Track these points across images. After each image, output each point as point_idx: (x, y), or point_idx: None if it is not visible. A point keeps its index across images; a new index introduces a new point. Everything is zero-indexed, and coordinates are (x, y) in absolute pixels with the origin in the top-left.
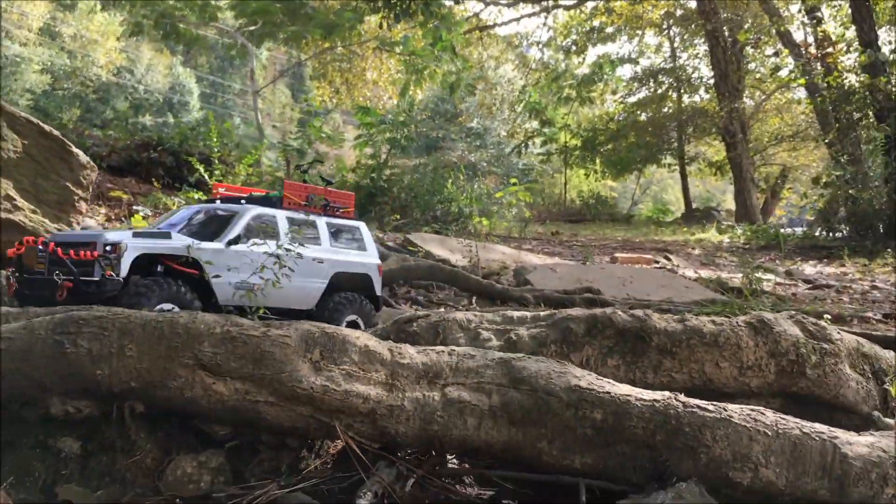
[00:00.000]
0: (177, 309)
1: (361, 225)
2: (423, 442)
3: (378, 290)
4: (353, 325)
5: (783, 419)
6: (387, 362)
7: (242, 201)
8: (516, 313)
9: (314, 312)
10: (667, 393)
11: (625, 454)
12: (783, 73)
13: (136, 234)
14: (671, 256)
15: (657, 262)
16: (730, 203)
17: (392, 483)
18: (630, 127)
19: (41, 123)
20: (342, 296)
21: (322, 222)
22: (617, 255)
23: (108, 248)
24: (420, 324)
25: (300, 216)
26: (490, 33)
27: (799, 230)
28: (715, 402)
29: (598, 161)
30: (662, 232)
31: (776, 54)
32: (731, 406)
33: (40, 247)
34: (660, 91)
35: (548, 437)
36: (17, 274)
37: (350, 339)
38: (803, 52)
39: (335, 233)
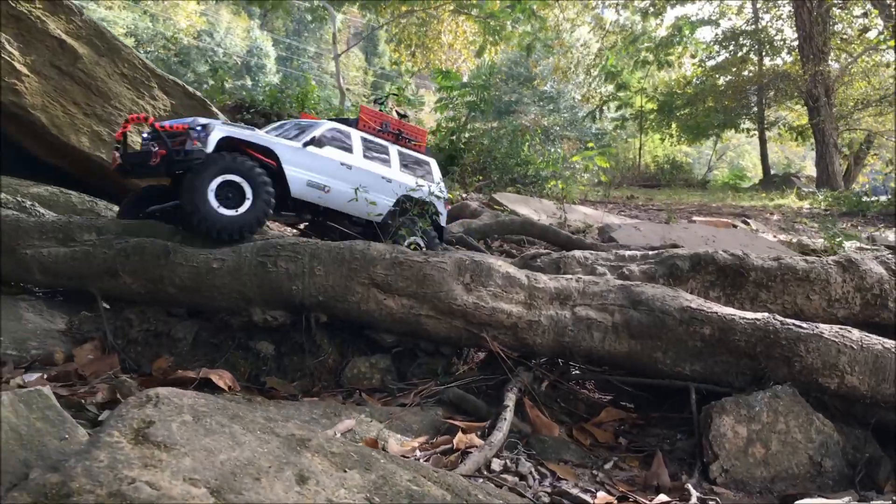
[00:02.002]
0: (238, 179)
1: (432, 161)
2: (555, 352)
3: (443, 221)
4: (414, 247)
5: (867, 336)
6: (525, 286)
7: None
8: (627, 252)
9: (380, 227)
10: (766, 314)
11: (728, 363)
12: (871, 34)
13: (224, 123)
14: (749, 221)
15: (735, 226)
16: (809, 169)
17: (530, 383)
18: (708, 91)
19: (186, 85)
20: (408, 217)
21: (394, 149)
22: (695, 218)
23: (199, 126)
24: (544, 260)
25: (373, 138)
26: None
27: (883, 198)
28: (808, 321)
29: (673, 126)
30: (740, 197)
31: (865, 15)
32: (822, 325)
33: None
34: (740, 54)
35: (662, 349)
36: (120, 149)
37: (494, 266)
38: (894, 12)
39: (405, 161)
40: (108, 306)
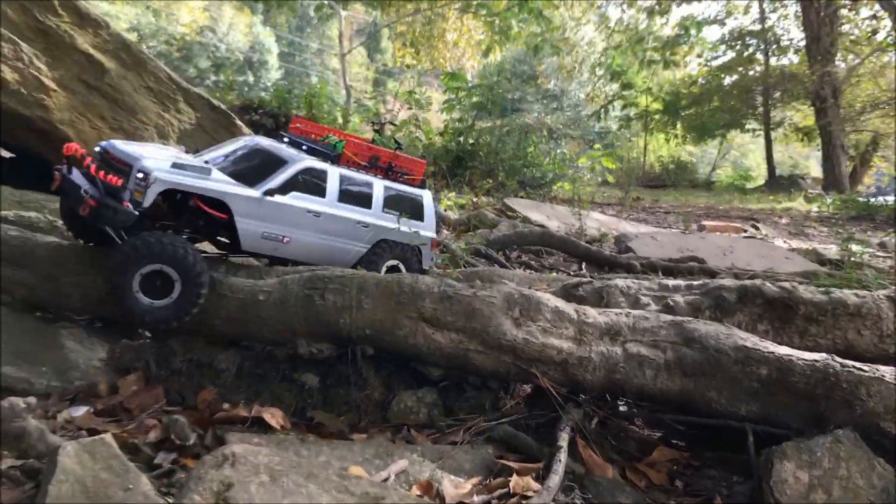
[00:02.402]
0: (167, 269)
1: (425, 194)
2: (606, 388)
3: (426, 265)
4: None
5: None
6: (574, 321)
7: (304, 147)
8: (671, 281)
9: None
10: (824, 355)
11: (786, 404)
12: (880, 35)
13: (174, 165)
14: (759, 225)
15: (745, 231)
16: (813, 170)
17: (581, 421)
18: (714, 91)
19: (210, 98)
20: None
21: (379, 185)
22: (704, 223)
23: (139, 174)
24: (586, 288)
25: (355, 175)
26: None
27: (891, 199)
28: (868, 364)
29: (679, 125)
30: (746, 199)
31: (874, 17)
32: (882, 367)
33: (80, 157)
34: (746, 53)
35: (716, 388)
36: (61, 172)
37: (543, 300)
38: None
39: (391, 199)
40: (149, 334)
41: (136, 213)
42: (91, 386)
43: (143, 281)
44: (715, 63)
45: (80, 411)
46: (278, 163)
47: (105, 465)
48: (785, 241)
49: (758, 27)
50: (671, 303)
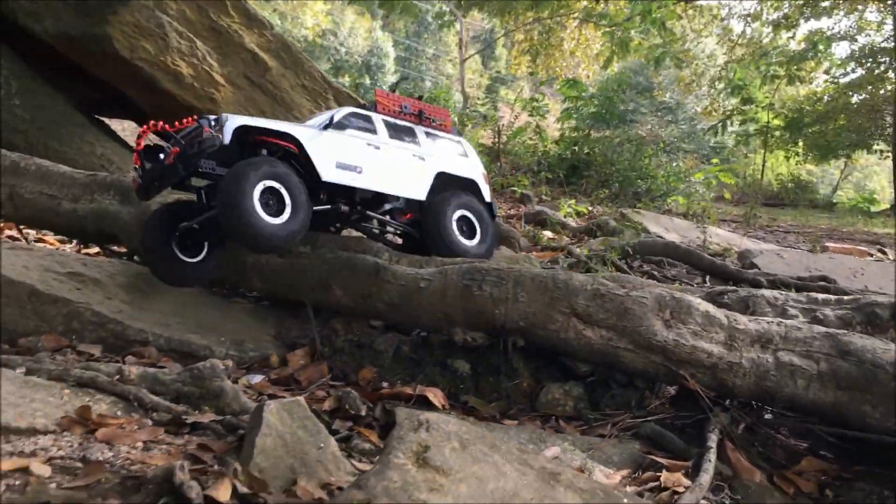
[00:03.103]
0: (277, 185)
1: (462, 139)
2: (755, 395)
3: (487, 197)
4: (466, 222)
5: None
6: (724, 326)
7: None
8: (819, 295)
9: (425, 207)
10: None
11: None
12: None
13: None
14: (886, 250)
15: (871, 256)
16: None
17: (727, 424)
18: (840, 109)
19: (358, 98)
20: (450, 192)
21: (419, 129)
22: (827, 244)
23: (211, 118)
24: (731, 296)
25: (396, 120)
26: (694, 5)
27: None
28: None
29: (800, 143)
30: (871, 223)
31: None
32: None
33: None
34: (877, 71)
35: (871, 403)
36: (137, 170)
37: (694, 304)
38: None
39: (434, 140)
40: (313, 316)
41: (220, 138)
42: (263, 357)
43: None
44: (843, 81)
45: (256, 378)
46: (329, 115)
47: (301, 425)
48: None
49: (891, 45)
50: (820, 316)
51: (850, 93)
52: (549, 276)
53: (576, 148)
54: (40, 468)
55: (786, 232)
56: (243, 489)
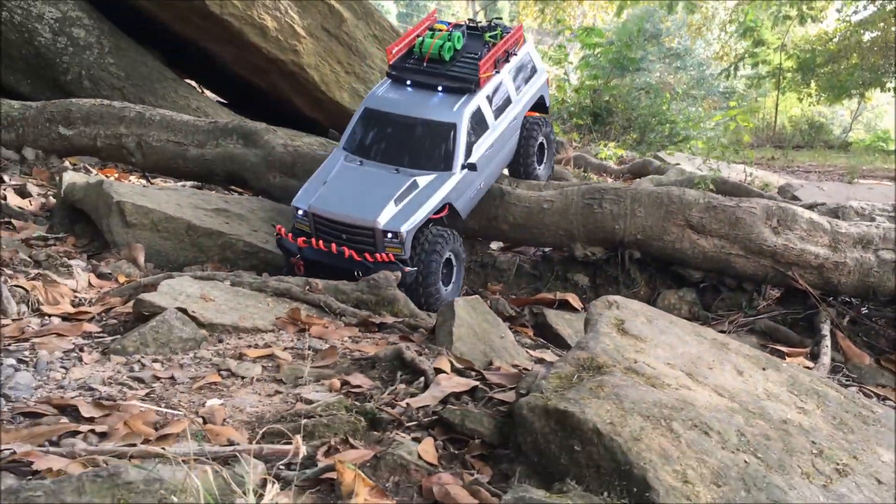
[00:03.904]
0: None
1: (529, 47)
2: (859, 291)
3: (548, 102)
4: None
5: None
6: (828, 231)
7: (439, 88)
8: None
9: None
10: None
11: None
12: None
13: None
14: None
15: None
16: None
17: (835, 317)
18: (853, 47)
19: None
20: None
21: (508, 78)
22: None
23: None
24: (821, 209)
25: (495, 89)
26: None
27: None
28: None
29: (813, 84)
30: (889, 160)
31: None
32: None
33: None
34: (889, 7)
35: None
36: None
37: (798, 212)
38: None
39: (517, 77)
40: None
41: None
42: None
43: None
44: (854, 19)
45: None
46: (445, 131)
47: (483, 318)
48: None
49: None
50: None
51: (862, 31)
52: (664, 192)
53: (596, 95)
54: (283, 354)
55: (806, 172)
56: (457, 364)
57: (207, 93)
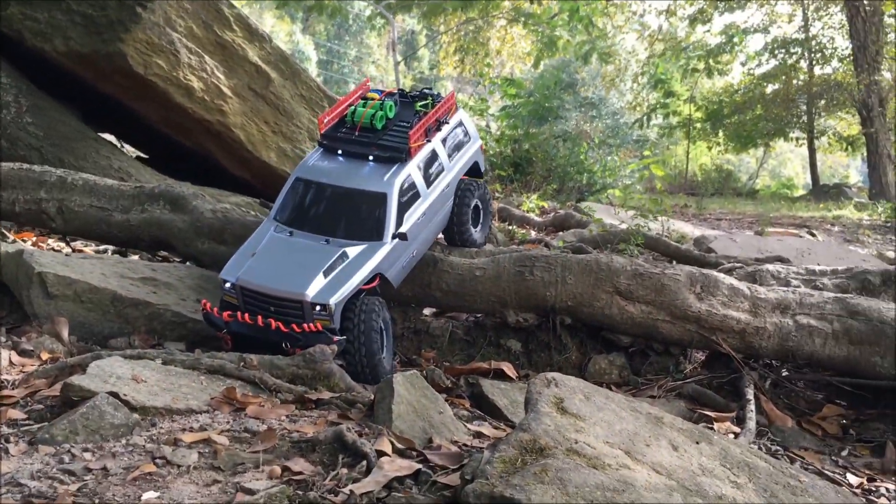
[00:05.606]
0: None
1: (459, 114)
2: (779, 355)
3: (482, 167)
4: (475, 211)
5: None
6: (747, 296)
7: (371, 157)
8: (817, 267)
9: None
10: None
11: None
12: None
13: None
14: (815, 232)
15: (802, 238)
16: (853, 179)
17: (758, 380)
18: (756, 99)
19: None
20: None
21: (440, 146)
22: (766, 229)
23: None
24: (739, 273)
25: (427, 157)
26: (613, 3)
27: None
28: None
29: (721, 134)
30: (795, 207)
31: None
32: None
33: None
34: (790, 62)
35: (880, 354)
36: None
37: (720, 278)
38: None
39: (449, 144)
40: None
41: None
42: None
43: None
44: (758, 72)
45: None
46: (375, 200)
47: (422, 393)
48: (849, 247)
49: (802, 35)
50: (820, 285)
51: (765, 83)
52: (593, 259)
53: (516, 145)
54: (219, 438)
55: (718, 219)
56: (398, 444)
57: (129, 148)
